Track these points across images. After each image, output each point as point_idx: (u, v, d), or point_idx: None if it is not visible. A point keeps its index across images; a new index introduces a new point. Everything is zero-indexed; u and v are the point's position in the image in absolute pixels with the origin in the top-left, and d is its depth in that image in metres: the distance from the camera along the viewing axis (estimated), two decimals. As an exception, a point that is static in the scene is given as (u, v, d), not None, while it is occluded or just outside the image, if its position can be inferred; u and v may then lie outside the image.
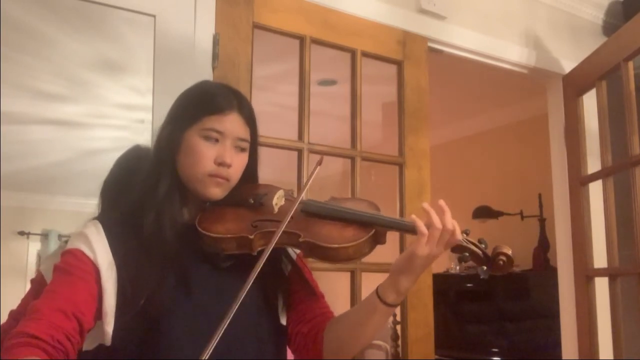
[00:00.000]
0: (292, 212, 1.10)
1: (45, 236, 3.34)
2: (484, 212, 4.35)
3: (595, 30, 2.96)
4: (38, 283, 1.44)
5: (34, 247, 3.34)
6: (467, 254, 1.12)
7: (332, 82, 3.75)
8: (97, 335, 1.05)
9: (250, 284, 0.96)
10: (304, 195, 1.21)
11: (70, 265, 1.05)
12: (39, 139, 2.73)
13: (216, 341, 0.90)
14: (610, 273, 2.35)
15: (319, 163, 1.25)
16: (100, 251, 1.07)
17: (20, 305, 1.47)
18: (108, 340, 1.04)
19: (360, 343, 1.17)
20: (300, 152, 2.02)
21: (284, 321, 1.22)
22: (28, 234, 3.30)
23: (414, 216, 1.11)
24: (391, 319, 4.11)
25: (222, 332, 0.91)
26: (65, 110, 2.61)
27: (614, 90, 2.42)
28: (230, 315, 0.93)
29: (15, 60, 2.23)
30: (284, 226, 1.06)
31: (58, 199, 3.13)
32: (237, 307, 0.95)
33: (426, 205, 1.11)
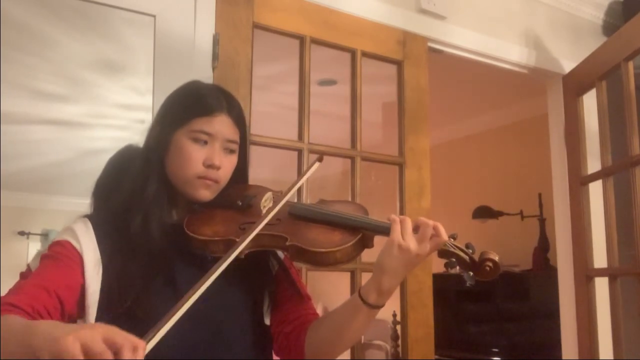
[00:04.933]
0: (278, 210, 1.10)
1: (45, 236, 3.34)
2: (484, 212, 4.36)
3: (595, 30, 2.96)
4: (25, 277, 1.45)
5: (34, 247, 3.34)
6: (453, 260, 1.09)
7: (332, 82, 3.75)
8: None
9: (222, 268, 0.95)
10: (295, 193, 1.20)
11: (57, 253, 1.06)
12: (39, 139, 2.73)
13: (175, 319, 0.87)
14: (610, 273, 2.35)
15: (319, 160, 1.23)
16: (88, 247, 1.07)
17: (7, 293, 1.48)
18: None
19: (342, 344, 1.16)
20: (300, 152, 2.02)
21: (267, 321, 1.21)
22: (28, 234, 3.30)
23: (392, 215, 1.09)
24: (391, 319, 4.11)
25: (185, 307, 0.89)
26: (65, 110, 2.61)
27: (614, 90, 2.42)
28: (197, 293, 0.91)
29: (15, 60, 2.22)
30: (265, 221, 1.05)
31: (58, 199, 3.13)
32: (207, 284, 0.92)
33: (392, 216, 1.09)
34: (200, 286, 0.93)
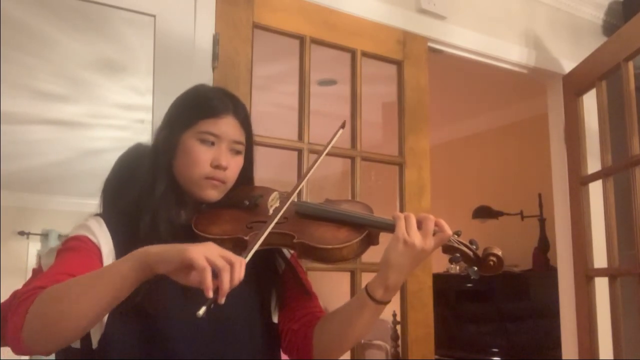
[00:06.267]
0: (286, 209, 1.12)
1: (45, 236, 3.34)
2: (484, 212, 4.35)
3: (595, 30, 2.96)
4: (38, 273, 1.45)
5: (34, 247, 3.34)
6: (458, 255, 1.12)
7: (332, 82, 3.75)
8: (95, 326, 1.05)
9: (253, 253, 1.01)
10: (296, 194, 1.22)
11: (75, 246, 1.07)
12: (39, 139, 2.73)
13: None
14: (610, 273, 2.35)
15: (342, 126, 1.29)
16: (103, 240, 1.09)
17: (23, 287, 1.48)
18: (102, 327, 1.04)
19: (349, 341, 1.17)
20: (300, 152, 2.02)
21: (275, 319, 1.23)
22: (28, 234, 3.31)
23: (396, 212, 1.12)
24: (391, 319, 4.11)
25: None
26: (65, 110, 2.62)
27: (614, 90, 2.42)
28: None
29: (15, 60, 2.23)
30: (275, 219, 1.08)
31: (58, 199, 3.13)
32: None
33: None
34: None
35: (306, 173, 1.25)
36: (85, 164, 2.71)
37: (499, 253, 1.11)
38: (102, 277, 0.93)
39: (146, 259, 0.91)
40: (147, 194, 1.15)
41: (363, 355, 4.45)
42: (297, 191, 1.19)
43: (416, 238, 1.07)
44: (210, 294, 0.86)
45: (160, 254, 0.90)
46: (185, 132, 1.18)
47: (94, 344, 1.06)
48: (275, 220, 1.08)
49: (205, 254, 0.87)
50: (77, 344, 1.06)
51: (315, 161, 1.23)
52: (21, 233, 3.30)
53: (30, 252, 3.33)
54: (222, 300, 0.88)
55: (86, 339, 1.05)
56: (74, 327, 0.91)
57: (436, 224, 1.09)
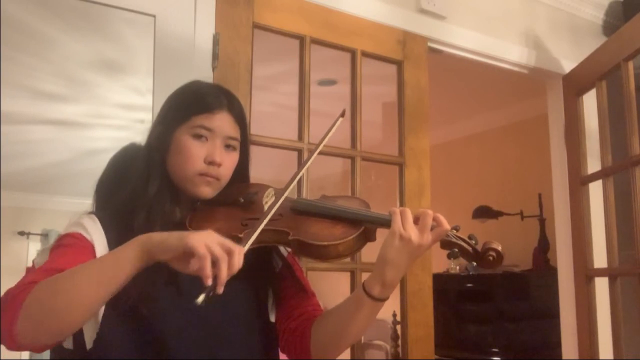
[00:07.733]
0: (280, 206, 1.11)
1: (45, 236, 3.35)
2: (484, 212, 4.35)
3: (595, 30, 2.96)
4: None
5: (34, 247, 3.34)
6: (456, 250, 1.09)
7: (332, 82, 3.75)
8: (89, 326, 1.04)
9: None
10: (295, 190, 1.22)
11: (68, 243, 1.06)
12: (39, 139, 2.73)
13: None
14: (610, 273, 2.35)
15: (342, 115, 1.28)
16: (97, 237, 1.08)
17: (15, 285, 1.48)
18: (96, 327, 1.04)
19: (347, 339, 1.16)
20: (300, 152, 2.02)
21: (273, 318, 1.22)
22: (28, 234, 3.31)
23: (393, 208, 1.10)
24: (391, 319, 4.11)
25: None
26: (65, 110, 2.62)
27: (614, 90, 2.42)
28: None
29: (15, 60, 2.23)
30: (270, 214, 1.07)
31: (58, 199, 3.13)
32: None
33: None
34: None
35: (304, 163, 1.25)
36: (85, 164, 2.71)
37: (499, 248, 1.09)
38: (103, 262, 0.94)
39: (148, 246, 0.91)
40: (141, 191, 1.14)
41: (363, 355, 4.45)
42: (296, 179, 1.17)
43: (412, 232, 1.05)
44: (209, 282, 0.87)
45: (162, 241, 0.91)
46: (179, 128, 1.16)
47: (88, 345, 1.04)
48: (278, 204, 1.09)
49: (206, 242, 0.88)
50: (69, 345, 1.06)
51: (316, 148, 1.22)
52: (21, 233, 3.31)
53: (30, 252, 3.33)
54: (221, 290, 0.87)
55: (79, 339, 1.04)
56: (72, 318, 0.90)
57: (434, 219, 1.07)
